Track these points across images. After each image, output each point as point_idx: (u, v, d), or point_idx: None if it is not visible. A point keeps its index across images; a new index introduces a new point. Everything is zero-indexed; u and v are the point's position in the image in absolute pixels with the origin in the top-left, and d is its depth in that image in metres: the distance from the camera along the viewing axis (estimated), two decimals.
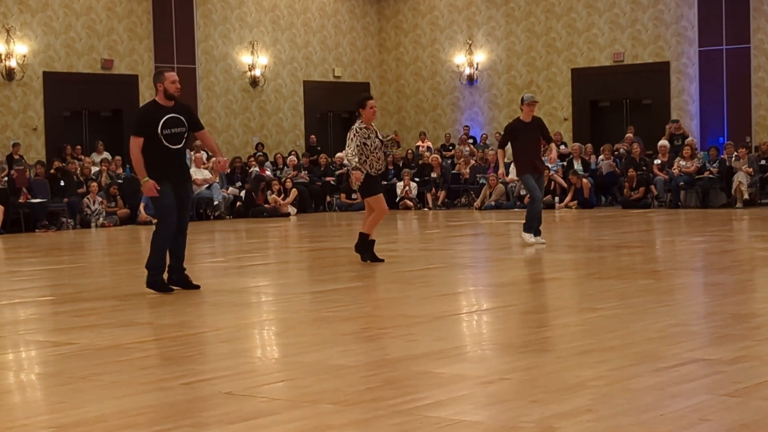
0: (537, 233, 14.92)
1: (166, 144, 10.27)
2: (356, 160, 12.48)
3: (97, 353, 7.30)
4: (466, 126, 30.07)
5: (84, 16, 26.16)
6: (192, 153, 26.19)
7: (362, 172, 12.48)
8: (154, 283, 10.51)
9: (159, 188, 10.27)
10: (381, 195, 12.81)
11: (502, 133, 15.29)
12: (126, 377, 6.41)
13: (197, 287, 10.60)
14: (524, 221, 15.13)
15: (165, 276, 10.57)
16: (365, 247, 12.89)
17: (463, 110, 30.89)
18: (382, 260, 12.85)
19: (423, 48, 31.41)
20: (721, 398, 5.38)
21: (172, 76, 10.51)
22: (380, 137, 12.70)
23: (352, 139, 12.55)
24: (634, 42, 28.34)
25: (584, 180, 24.70)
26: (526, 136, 14.54)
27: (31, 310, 9.92)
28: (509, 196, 25.79)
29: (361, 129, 12.58)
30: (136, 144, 10.29)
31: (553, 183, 24.96)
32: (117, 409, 5.54)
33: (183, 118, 10.40)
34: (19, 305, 10.05)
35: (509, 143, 14.77)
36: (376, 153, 12.58)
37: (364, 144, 12.50)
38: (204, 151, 26.02)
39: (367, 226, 12.85)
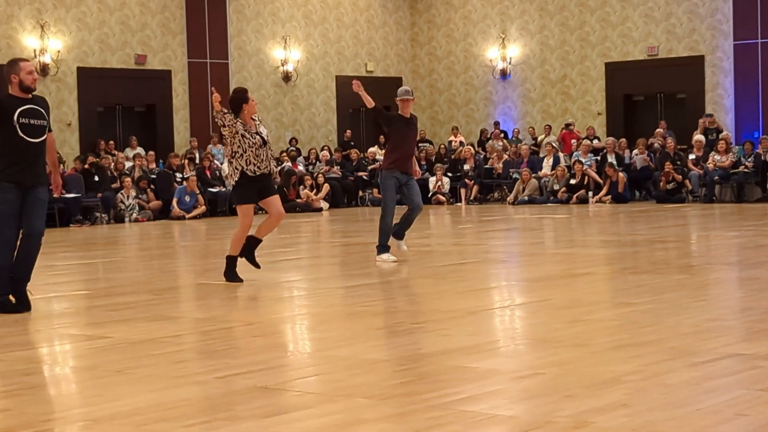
0: (386, 248, 12.79)
1: (22, 135, 9.00)
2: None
3: (132, 347, 7.33)
4: (497, 122, 29.99)
5: (117, 12, 26.27)
6: (224, 148, 26.26)
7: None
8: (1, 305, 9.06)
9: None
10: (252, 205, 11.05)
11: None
12: (160, 371, 6.43)
13: (28, 309, 9.13)
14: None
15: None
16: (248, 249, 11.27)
17: (496, 105, 30.81)
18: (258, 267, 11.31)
19: (456, 42, 31.34)
20: (757, 393, 5.35)
21: (28, 66, 9.16)
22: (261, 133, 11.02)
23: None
24: (668, 36, 28.17)
25: (620, 174, 24.57)
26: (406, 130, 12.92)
27: (65, 304, 9.96)
28: (542, 190, 25.72)
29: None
30: None
31: (586, 177, 24.86)
32: (151, 402, 5.56)
33: (43, 112, 9.21)
34: (53, 299, 10.10)
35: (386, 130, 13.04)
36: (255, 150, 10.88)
37: (243, 137, 10.85)
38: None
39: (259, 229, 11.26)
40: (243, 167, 10.78)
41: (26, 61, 9.32)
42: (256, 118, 11.07)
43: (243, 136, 10.79)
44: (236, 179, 10.86)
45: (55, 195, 9.73)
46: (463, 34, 31.17)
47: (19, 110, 8.98)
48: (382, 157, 27.81)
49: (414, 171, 13.12)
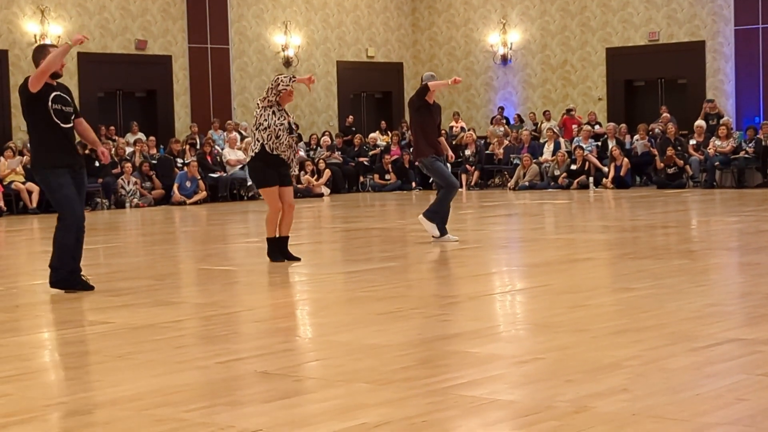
0: (443, 231, 12.96)
1: (56, 120, 9.17)
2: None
3: (133, 332, 7.34)
4: (501, 107, 29.95)
5: None
6: (225, 134, 26.28)
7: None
8: (61, 281, 9.39)
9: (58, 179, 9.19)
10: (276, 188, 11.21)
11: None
12: (161, 356, 6.45)
13: (92, 288, 9.50)
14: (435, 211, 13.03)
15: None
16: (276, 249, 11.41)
17: (497, 90, 30.77)
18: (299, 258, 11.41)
19: (457, 28, 31.29)
20: (757, 378, 5.36)
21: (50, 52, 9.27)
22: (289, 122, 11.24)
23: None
24: (669, 21, 28.13)
25: (625, 159, 24.53)
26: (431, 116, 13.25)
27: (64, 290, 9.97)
28: (543, 176, 25.71)
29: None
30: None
31: (587, 163, 24.85)
32: (153, 387, 5.57)
33: (69, 99, 9.37)
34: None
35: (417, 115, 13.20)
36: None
37: (273, 114, 11.08)
38: (237, 131, 26.08)
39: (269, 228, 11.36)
40: (264, 140, 11.02)
41: (55, 47, 9.45)
42: (286, 111, 11.24)
43: (274, 112, 11.04)
44: (256, 151, 11.08)
45: (104, 162, 10.02)
46: (464, 20, 31.12)
47: (51, 96, 9.14)
48: (383, 143, 27.82)
49: (449, 155, 13.95)
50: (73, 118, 9.38)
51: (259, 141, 11.05)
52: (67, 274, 9.36)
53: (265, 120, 11.02)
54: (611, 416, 4.69)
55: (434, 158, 12.92)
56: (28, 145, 9.64)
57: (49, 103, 9.13)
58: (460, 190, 26.02)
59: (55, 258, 9.33)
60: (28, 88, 9.15)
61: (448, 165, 13.22)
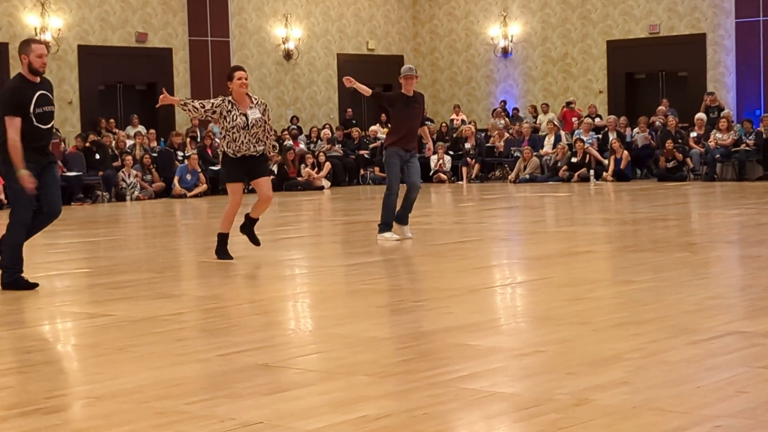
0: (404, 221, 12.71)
1: (37, 124, 8.94)
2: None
3: (134, 325, 7.34)
4: (503, 101, 29.91)
5: None
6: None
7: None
8: (14, 282, 9.10)
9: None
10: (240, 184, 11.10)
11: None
12: (162, 349, 6.45)
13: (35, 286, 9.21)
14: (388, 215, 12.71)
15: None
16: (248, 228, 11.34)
17: (498, 83, 30.75)
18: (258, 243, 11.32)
19: (457, 20, 31.26)
20: (757, 371, 5.36)
21: (40, 48, 9.08)
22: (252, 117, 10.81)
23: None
24: (670, 14, 28.10)
25: (625, 151, 24.51)
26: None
27: (67, 282, 9.98)
28: (544, 169, 25.71)
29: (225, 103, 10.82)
30: (13, 125, 8.81)
31: (587, 156, 24.84)
32: (153, 380, 5.57)
33: (51, 96, 9.17)
34: (55, 277, 10.11)
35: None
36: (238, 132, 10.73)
37: (224, 118, 10.73)
38: None
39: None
40: (224, 148, 10.82)
41: (39, 43, 9.23)
42: (254, 99, 10.90)
43: (224, 117, 10.71)
44: (221, 157, 11.03)
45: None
46: (465, 12, 31.09)
47: (34, 99, 8.91)
48: (383, 136, 27.79)
49: (427, 149, 13.63)
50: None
51: (220, 150, 10.95)
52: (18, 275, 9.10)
53: (222, 128, 10.78)
54: (612, 409, 4.69)
55: (393, 150, 12.52)
56: None
57: (32, 109, 8.88)
58: (460, 183, 26.15)
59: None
60: (4, 96, 8.94)
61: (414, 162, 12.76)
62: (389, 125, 13.10)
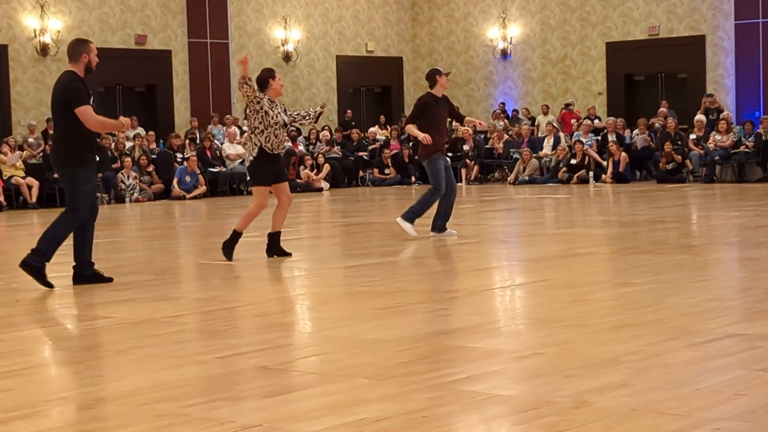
0: (442, 229, 12.82)
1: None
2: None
3: (133, 327, 7.34)
4: (502, 102, 29.91)
5: None
6: (225, 128, 26.26)
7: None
8: (37, 269, 9.37)
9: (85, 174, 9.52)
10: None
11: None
12: (161, 351, 6.45)
13: (110, 279, 9.64)
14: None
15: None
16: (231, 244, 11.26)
17: (497, 85, 30.76)
18: (290, 254, 11.43)
19: (456, 22, 31.27)
20: (756, 373, 5.36)
21: (95, 47, 9.57)
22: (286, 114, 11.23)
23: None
24: (669, 15, 28.11)
25: (623, 153, 24.52)
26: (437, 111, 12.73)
27: (67, 284, 9.97)
28: (543, 171, 25.71)
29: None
30: (87, 111, 9.32)
31: (587, 158, 24.84)
32: (153, 382, 5.58)
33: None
34: (54, 279, 10.09)
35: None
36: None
37: (266, 114, 10.95)
38: (236, 126, 26.06)
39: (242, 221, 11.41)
40: (262, 143, 10.93)
41: (87, 42, 9.58)
42: (278, 103, 11.17)
43: (266, 113, 10.93)
44: (254, 155, 11.00)
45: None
46: (464, 14, 31.10)
47: (91, 97, 9.40)
48: (383, 137, 27.74)
49: (478, 123, 14.03)
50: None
51: (257, 145, 10.95)
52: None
53: (261, 123, 10.91)
54: (611, 411, 4.70)
55: (439, 156, 12.64)
56: (51, 141, 9.87)
57: (92, 104, 9.31)
58: (459, 184, 26.12)
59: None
60: (73, 90, 9.26)
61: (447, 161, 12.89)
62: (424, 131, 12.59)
